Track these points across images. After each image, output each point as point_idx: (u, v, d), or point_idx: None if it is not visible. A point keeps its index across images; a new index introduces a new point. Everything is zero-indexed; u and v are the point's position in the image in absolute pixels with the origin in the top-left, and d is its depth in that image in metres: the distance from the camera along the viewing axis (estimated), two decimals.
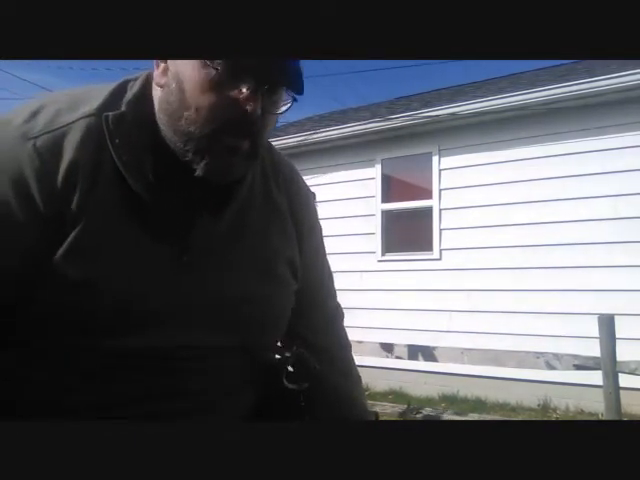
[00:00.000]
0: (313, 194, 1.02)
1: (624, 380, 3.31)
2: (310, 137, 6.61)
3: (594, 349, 3.41)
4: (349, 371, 1.02)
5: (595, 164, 5.03)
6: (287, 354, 0.88)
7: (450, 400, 5.41)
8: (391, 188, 6.37)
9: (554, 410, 4.98)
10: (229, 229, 0.81)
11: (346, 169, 6.48)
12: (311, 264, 0.95)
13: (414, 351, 4.13)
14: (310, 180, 6.37)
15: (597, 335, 3.35)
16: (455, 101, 5.93)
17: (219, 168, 0.74)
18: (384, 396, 5.68)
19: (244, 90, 0.71)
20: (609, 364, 3.23)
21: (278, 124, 8.67)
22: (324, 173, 6.53)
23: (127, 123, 0.75)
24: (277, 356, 0.91)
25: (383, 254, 6.19)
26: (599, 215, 4.98)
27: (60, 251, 0.70)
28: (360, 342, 4.34)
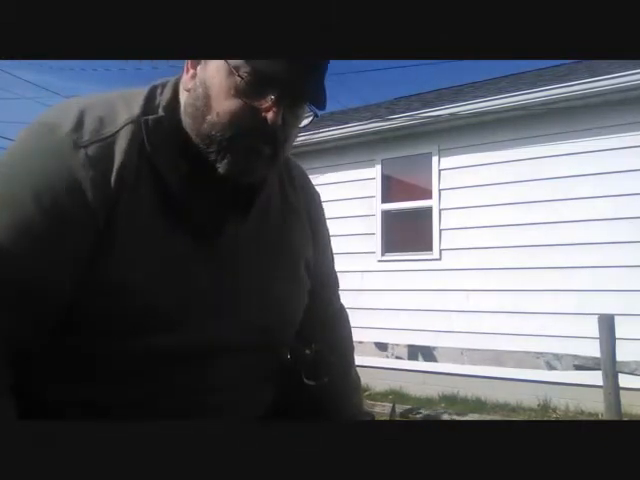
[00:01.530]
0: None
1: (624, 380, 3.31)
2: (310, 137, 6.61)
3: (594, 349, 3.41)
4: (348, 372, 1.05)
5: (595, 164, 5.03)
6: (307, 351, 0.90)
7: (450, 400, 5.41)
8: (391, 188, 6.37)
9: (554, 410, 4.97)
10: (254, 229, 0.85)
11: (346, 169, 6.48)
12: (321, 263, 1.00)
13: (414, 351, 4.13)
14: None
15: (597, 335, 3.35)
16: (455, 101, 5.93)
17: (239, 166, 0.77)
18: (384, 396, 5.68)
19: (267, 100, 0.74)
20: (609, 364, 3.23)
21: None
22: (324, 173, 6.52)
23: (163, 127, 0.78)
24: (293, 353, 0.94)
25: (383, 254, 6.18)
26: (599, 215, 4.98)
27: (110, 256, 0.73)
28: (360, 342, 4.34)
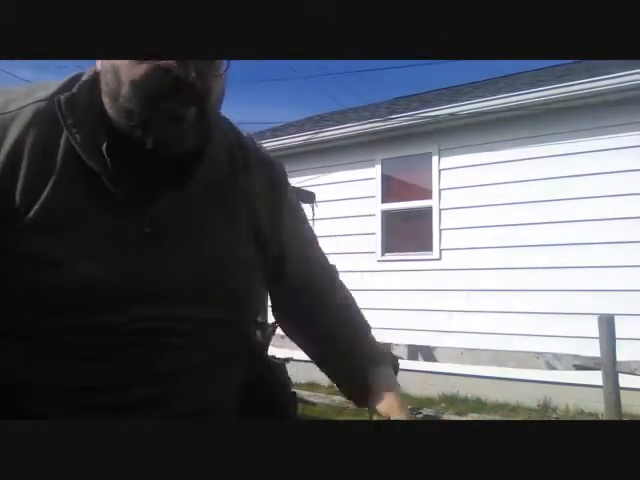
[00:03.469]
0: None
1: (624, 380, 3.31)
2: (310, 137, 6.61)
3: (594, 349, 3.41)
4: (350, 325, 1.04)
5: (595, 164, 5.03)
6: (269, 327, 0.85)
7: (450, 400, 5.41)
8: (391, 188, 6.37)
9: (554, 410, 4.98)
10: (192, 202, 0.81)
11: (346, 169, 6.48)
12: (290, 241, 0.93)
13: (414, 351, 4.14)
14: (310, 180, 6.37)
15: (597, 335, 3.35)
16: (455, 101, 5.93)
17: (168, 138, 0.74)
18: None
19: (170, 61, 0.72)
20: (609, 364, 3.23)
21: (278, 124, 8.62)
22: (324, 173, 6.53)
23: (79, 105, 0.76)
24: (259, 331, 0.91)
25: (383, 254, 6.18)
26: (599, 215, 4.98)
27: (20, 225, 0.71)
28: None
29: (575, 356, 3.54)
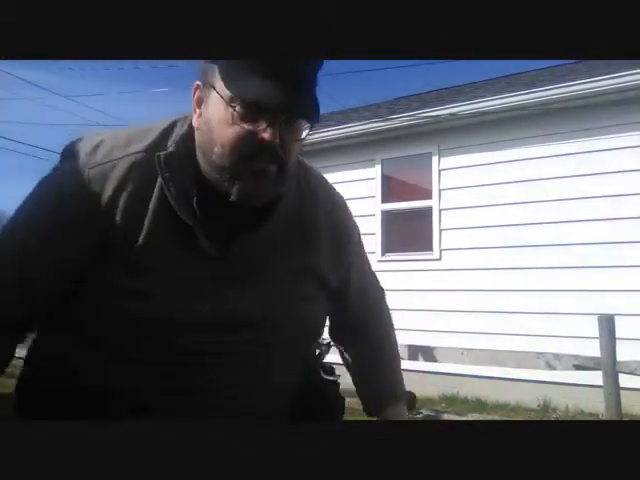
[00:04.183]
0: (351, 215, 1.17)
1: (624, 380, 3.31)
2: (310, 137, 6.60)
3: (594, 349, 3.40)
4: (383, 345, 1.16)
5: (595, 164, 5.03)
6: (321, 347, 1.00)
7: (450, 400, 5.41)
8: (391, 188, 6.37)
9: (554, 410, 4.98)
10: (262, 246, 0.92)
11: (346, 169, 6.48)
12: (355, 266, 1.09)
13: (414, 351, 4.14)
14: None
15: (597, 335, 3.35)
16: (455, 101, 5.93)
17: (250, 190, 0.84)
18: None
19: (261, 123, 0.82)
20: (609, 364, 3.23)
21: None
22: (324, 173, 6.51)
23: (175, 161, 0.87)
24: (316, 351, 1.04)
25: (383, 254, 6.18)
26: (599, 215, 4.98)
27: (116, 264, 0.85)
28: None
29: (575, 356, 3.54)
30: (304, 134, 0.88)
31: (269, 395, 0.93)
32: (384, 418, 1.08)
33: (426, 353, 4.08)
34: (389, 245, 6.20)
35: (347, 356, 1.16)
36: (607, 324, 3.30)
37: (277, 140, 0.82)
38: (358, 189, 6.39)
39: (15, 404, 0.93)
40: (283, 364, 0.94)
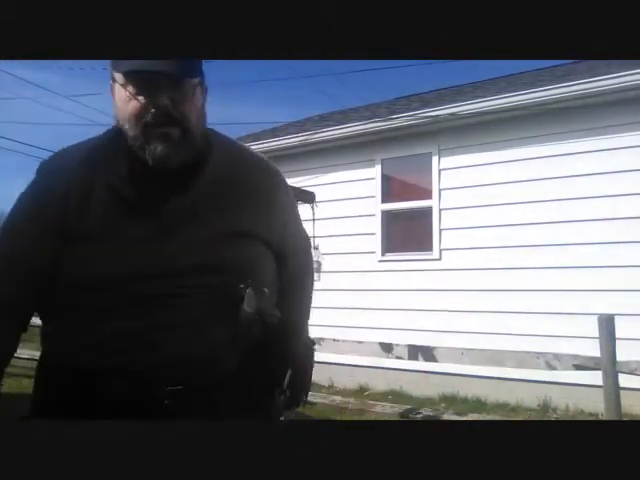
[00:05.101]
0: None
1: (624, 380, 3.31)
2: (310, 137, 6.61)
3: (594, 349, 3.40)
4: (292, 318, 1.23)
5: (595, 164, 5.03)
6: (241, 285, 1.06)
7: (450, 400, 5.41)
8: (391, 188, 6.37)
9: (554, 410, 4.98)
10: (192, 206, 1.06)
11: (346, 169, 6.48)
12: (283, 235, 1.18)
13: (414, 351, 4.13)
14: (310, 180, 6.38)
15: (597, 335, 3.34)
16: (455, 101, 5.93)
17: (159, 152, 1.01)
18: (384, 396, 5.68)
19: (145, 95, 0.98)
20: (609, 364, 3.23)
21: (279, 124, 8.64)
22: (324, 173, 6.53)
23: (111, 146, 1.07)
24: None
25: (383, 254, 6.18)
26: (598, 215, 4.98)
27: (71, 236, 1.03)
28: (360, 342, 4.33)
29: (575, 356, 3.54)
30: (196, 94, 1.03)
31: (207, 334, 1.04)
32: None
33: (426, 353, 4.08)
34: (389, 245, 6.20)
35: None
36: (607, 324, 3.30)
37: (167, 102, 0.99)
38: (358, 189, 6.39)
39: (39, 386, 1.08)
40: (216, 304, 1.05)
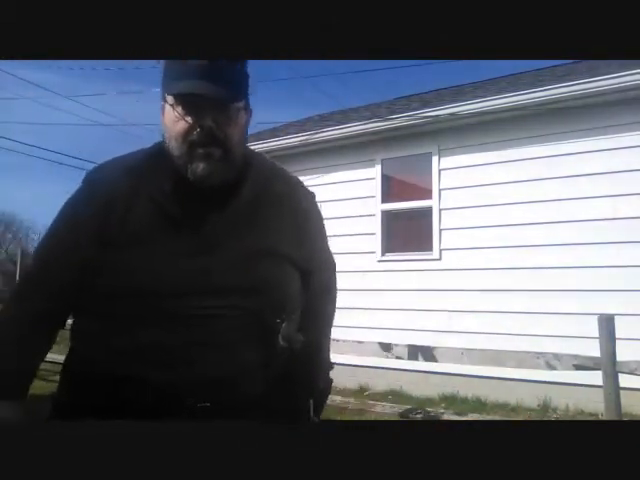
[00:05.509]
0: (312, 194, 1.29)
1: (624, 380, 3.31)
2: (310, 137, 6.61)
3: (594, 349, 3.40)
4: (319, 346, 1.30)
5: (595, 164, 5.03)
6: (278, 320, 1.10)
7: (450, 400, 5.41)
8: (391, 188, 6.37)
9: (554, 410, 4.98)
10: (230, 224, 1.09)
11: (346, 169, 6.48)
12: (312, 253, 1.22)
13: (414, 351, 4.13)
14: (310, 180, 6.37)
15: (597, 335, 3.34)
16: (455, 101, 5.93)
17: (201, 171, 1.05)
18: (384, 396, 5.68)
19: (197, 114, 1.04)
20: (609, 364, 3.23)
21: (279, 124, 8.63)
22: (324, 173, 6.52)
23: (156, 161, 1.11)
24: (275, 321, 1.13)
25: (383, 254, 6.18)
26: (599, 215, 4.98)
27: (112, 247, 1.05)
28: (360, 342, 4.33)
29: (575, 356, 3.54)
30: (240, 117, 1.08)
31: (240, 357, 1.06)
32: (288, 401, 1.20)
33: (426, 353, 4.08)
34: (389, 245, 6.20)
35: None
36: (607, 324, 3.30)
37: (211, 124, 1.03)
38: (358, 189, 6.39)
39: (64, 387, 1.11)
40: (251, 329, 1.08)
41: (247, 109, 1.11)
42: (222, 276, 1.06)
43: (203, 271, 1.05)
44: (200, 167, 1.05)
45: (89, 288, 1.07)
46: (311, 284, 1.22)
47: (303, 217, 1.22)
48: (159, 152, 1.12)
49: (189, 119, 1.04)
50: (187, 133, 1.05)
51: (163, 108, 1.10)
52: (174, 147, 1.07)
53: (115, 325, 1.04)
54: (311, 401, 1.18)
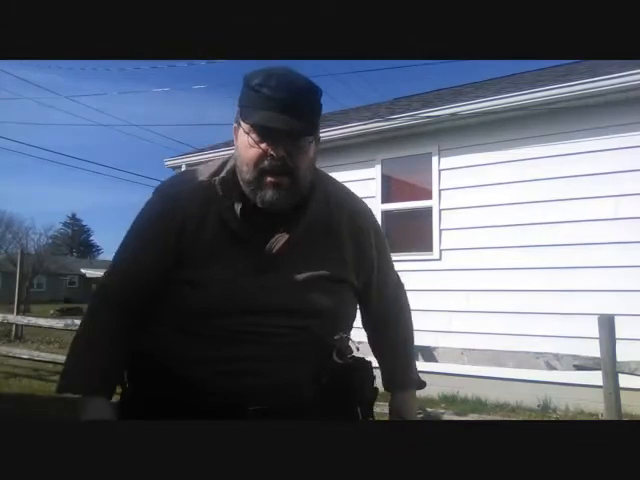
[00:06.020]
0: (374, 217, 1.38)
1: (624, 380, 3.31)
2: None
3: (594, 349, 3.40)
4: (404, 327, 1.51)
5: (595, 164, 5.03)
6: (336, 337, 1.18)
7: (450, 400, 5.41)
8: (391, 188, 6.37)
9: (554, 410, 4.98)
10: (296, 245, 1.14)
11: (346, 169, 6.47)
12: (377, 268, 1.33)
13: (414, 351, 4.12)
14: None
15: (597, 335, 3.34)
16: (455, 101, 5.93)
17: (269, 198, 1.10)
18: (384, 396, 5.67)
19: (270, 143, 1.08)
20: (609, 364, 3.23)
21: None
22: None
23: (227, 183, 1.16)
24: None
25: None
26: (599, 215, 4.98)
27: (183, 261, 1.14)
28: (360, 342, 4.30)
29: (575, 356, 3.54)
30: (310, 148, 1.13)
31: (298, 370, 1.14)
32: (396, 400, 1.39)
33: (426, 353, 4.08)
34: (389, 245, 6.19)
35: (371, 343, 1.50)
36: (607, 324, 3.30)
37: (283, 154, 1.08)
38: (358, 189, 6.33)
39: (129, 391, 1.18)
40: (309, 347, 1.15)
41: (317, 140, 1.18)
42: (285, 298, 1.13)
43: (268, 292, 1.12)
44: (269, 194, 1.10)
45: (161, 300, 1.16)
46: (374, 301, 1.35)
47: (367, 239, 1.28)
48: (230, 174, 1.17)
49: (263, 147, 1.08)
50: (259, 160, 1.09)
51: (236, 131, 1.15)
52: (244, 171, 1.12)
53: (187, 339, 1.12)
54: (359, 409, 1.24)
